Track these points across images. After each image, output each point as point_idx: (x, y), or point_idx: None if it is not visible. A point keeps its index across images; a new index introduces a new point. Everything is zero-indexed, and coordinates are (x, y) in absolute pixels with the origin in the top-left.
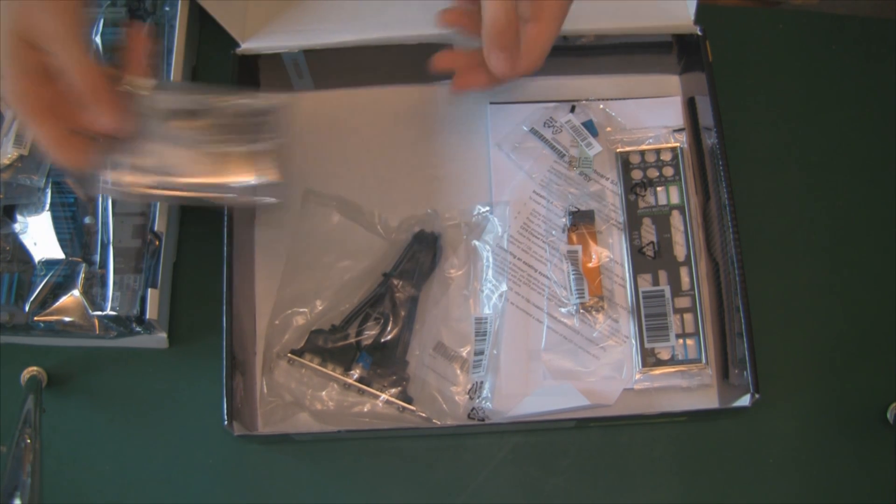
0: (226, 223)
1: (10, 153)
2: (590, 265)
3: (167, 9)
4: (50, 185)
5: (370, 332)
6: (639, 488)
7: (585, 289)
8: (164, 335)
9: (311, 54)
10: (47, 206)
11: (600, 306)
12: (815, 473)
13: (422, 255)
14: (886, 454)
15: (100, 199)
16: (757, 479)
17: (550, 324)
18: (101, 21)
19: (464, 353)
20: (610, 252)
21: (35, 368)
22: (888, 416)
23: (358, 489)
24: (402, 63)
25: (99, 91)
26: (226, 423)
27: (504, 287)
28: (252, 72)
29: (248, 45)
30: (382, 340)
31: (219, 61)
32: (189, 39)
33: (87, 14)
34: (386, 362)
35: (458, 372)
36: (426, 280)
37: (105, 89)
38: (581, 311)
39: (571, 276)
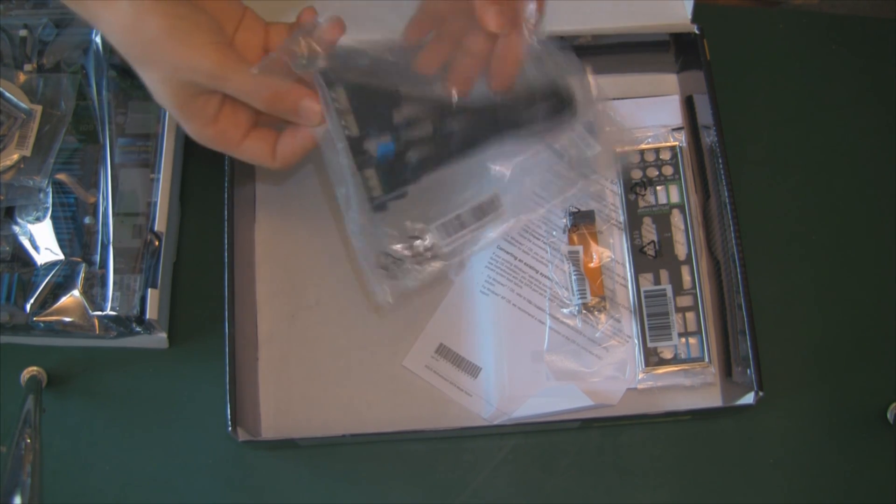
0: (226, 224)
1: (12, 154)
2: (591, 265)
3: None
4: (51, 186)
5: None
6: (639, 488)
7: (587, 289)
8: (164, 335)
9: None
10: (48, 207)
11: (602, 306)
12: (816, 473)
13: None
14: (886, 454)
15: (100, 200)
16: (756, 479)
17: (553, 325)
18: None
19: (467, 356)
20: (611, 252)
21: (35, 368)
22: (888, 416)
23: (359, 490)
24: None
25: (278, 99)
26: (230, 428)
27: (505, 288)
28: None
29: None
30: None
31: None
32: None
33: (221, 21)
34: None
35: (463, 374)
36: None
37: (284, 94)
38: (583, 311)
39: (573, 277)
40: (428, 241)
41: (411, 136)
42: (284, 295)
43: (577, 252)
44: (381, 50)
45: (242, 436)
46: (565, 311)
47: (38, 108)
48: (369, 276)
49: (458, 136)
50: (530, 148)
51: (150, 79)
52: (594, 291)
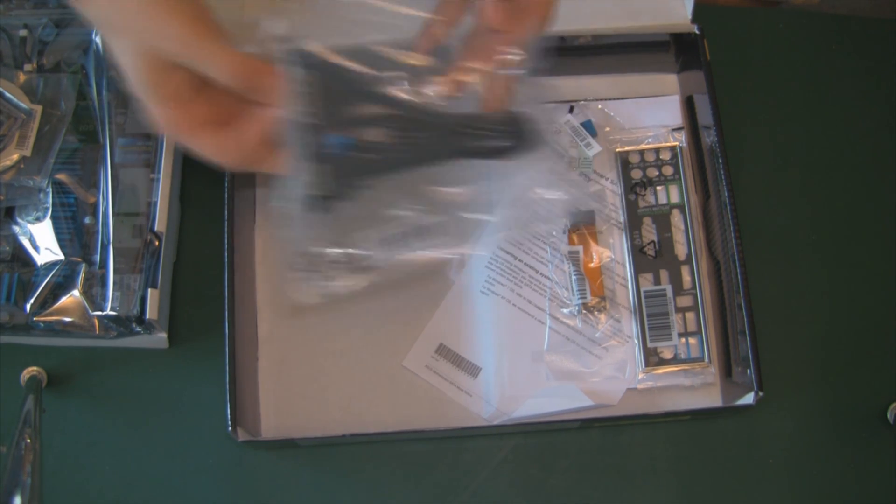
0: (226, 226)
1: (12, 154)
2: (591, 265)
3: None
4: (51, 186)
5: None
6: (639, 488)
7: (587, 289)
8: (164, 335)
9: None
10: (48, 207)
11: (602, 306)
12: (815, 473)
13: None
14: (886, 454)
15: (100, 199)
16: (756, 479)
17: (553, 325)
18: None
19: (467, 356)
20: (611, 252)
21: (35, 368)
22: (888, 416)
23: (358, 490)
24: None
25: (254, 76)
26: (230, 428)
27: (505, 288)
28: None
29: None
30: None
31: None
32: None
33: None
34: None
35: (462, 374)
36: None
37: (260, 71)
38: (583, 311)
39: (573, 277)
40: (350, 250)
41: (367, 137)
42: (284, 294)
43: (578, 252)
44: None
45: (242, 436)
46: (565, 311)
47: (38, 108)
48: (282, 270)
49: (413, 147)
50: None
51: (124, 50)
52: (594, 291)
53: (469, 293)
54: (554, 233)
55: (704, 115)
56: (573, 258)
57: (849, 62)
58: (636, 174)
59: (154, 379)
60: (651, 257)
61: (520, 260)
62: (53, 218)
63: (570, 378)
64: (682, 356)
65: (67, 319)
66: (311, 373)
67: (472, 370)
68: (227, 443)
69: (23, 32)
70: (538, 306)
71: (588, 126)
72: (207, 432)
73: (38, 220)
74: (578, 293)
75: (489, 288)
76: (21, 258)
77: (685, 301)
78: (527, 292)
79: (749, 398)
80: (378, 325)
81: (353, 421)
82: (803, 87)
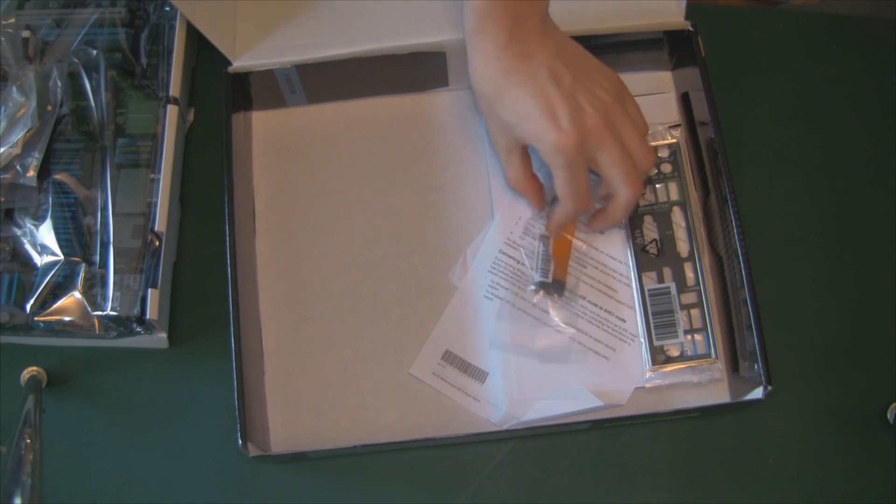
0: (227, 239)
1: (11, 155)
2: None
3: (167, 9)
4: (51, 186)
5: None
6: (639, 488)
7: (550, 270)
8: (164, 335)
9: (304, 69)
10: (48, 207)
11: (608, 307)
12: (815, 473)
13: None
14: (886, 454)
15: (100, 200)
16: (756, 479)
17: (558, 327)
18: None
19: (474, 362)
20: (613, 251)
21: (35, 368)
22: (888, 416)
23: (356, 490)
24: (395, 73)
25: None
26: (240, 444)
27: (508, 292)
28: (245, 89)
29: (239, 63)
30: None
31: (218, 62)
32: (189, 40)
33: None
34: None
35: (470, 380)
36: None
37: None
38: (590, 312)
39: (541, 257)
40: None
41: None
42: (287, 307)
43: (548, 237)
44: None
45: (253, 451)
46: (570, 312)
47: (38, 108)
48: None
49: None
50: None
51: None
52: (556, 275)
53: (472, 298)
54: None
55: (701, 112)
56: (543, 241)
57: (848, 62)
58: None
59: (154, 379)
60: (653, 255)
61: (522, 263)
62: (53, 218)
63: (578, 379)
64: (689, 353)
65: (67, 319)
66: (317, 384)
67: (479, 375)
68: (228, 443)
69: (25, 33)
70: (542, 308)
71: None
72: (208, 433)
73: (38, 220)
74: (541, 271)
75: (492, 292)
76: (21, 258)
77: (689, 298)
78: (530, 295)
79: (758, 392)
80: (383, 334)
81: (362, 430)
82: (803, 86)
